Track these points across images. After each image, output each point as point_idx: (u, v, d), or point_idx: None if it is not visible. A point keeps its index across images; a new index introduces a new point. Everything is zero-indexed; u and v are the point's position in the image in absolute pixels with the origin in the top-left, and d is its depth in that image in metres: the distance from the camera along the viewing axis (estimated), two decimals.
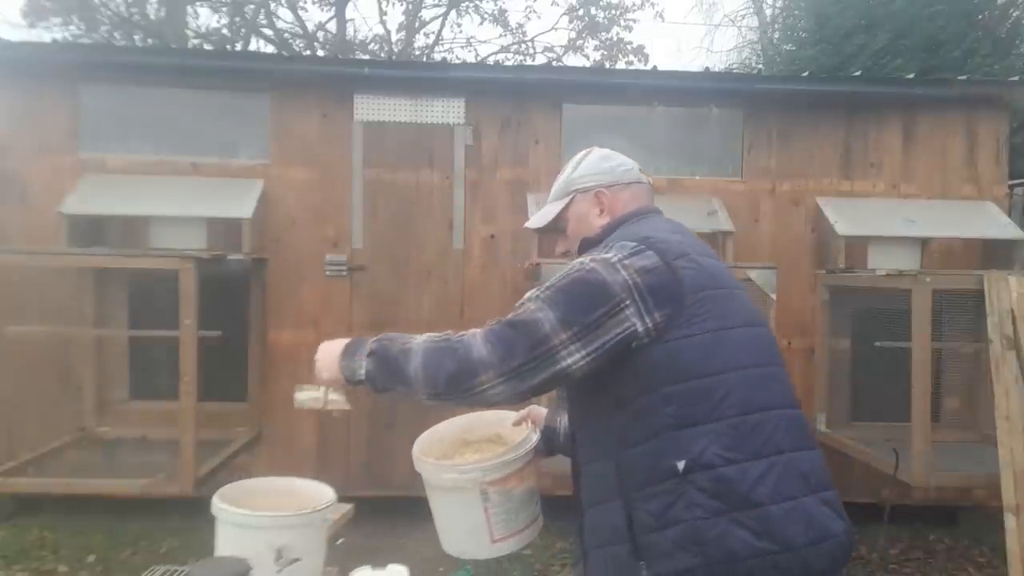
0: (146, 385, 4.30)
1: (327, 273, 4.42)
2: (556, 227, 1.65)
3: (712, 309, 1.36)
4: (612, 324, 1.30)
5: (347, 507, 2.46)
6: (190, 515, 3.74)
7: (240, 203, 4.14)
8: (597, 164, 1.62)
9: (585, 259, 1.39)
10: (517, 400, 1.33)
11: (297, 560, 1.59)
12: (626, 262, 1.34)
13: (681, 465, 1.28)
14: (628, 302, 1.31)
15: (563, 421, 1.77)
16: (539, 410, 1.83)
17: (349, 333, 4.79)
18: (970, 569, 3.93)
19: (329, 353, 1.46)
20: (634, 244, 1.38)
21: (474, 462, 1.63)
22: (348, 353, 1.43)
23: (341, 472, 4.34)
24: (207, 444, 3.66)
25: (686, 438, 1.30)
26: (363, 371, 1.40)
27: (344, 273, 4.44)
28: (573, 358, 1.29)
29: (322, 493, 1.74)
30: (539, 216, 1.69)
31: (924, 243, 4.41)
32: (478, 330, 1.34)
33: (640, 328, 1.31)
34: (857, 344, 4.38)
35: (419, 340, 1.37)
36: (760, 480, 1.28)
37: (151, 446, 3.98)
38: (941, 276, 3.65)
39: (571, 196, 1.61)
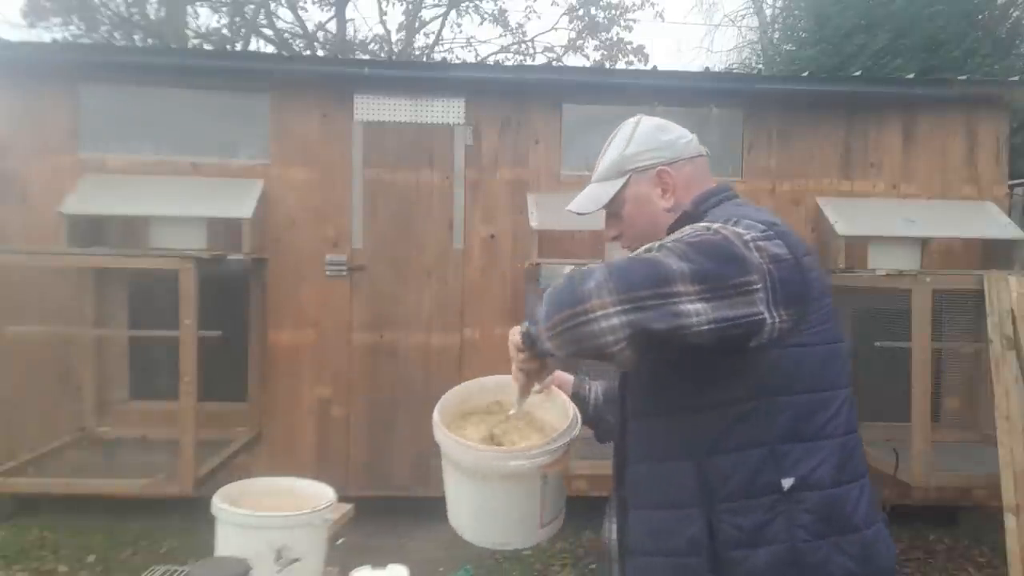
0: (146, 385, 4.30)
1: (327, 273, 4.42)
2: (609, 209, 1.46)
3: (828, 319, 1.24)
4: (742, 302, 1.10)
5: (347, 507, 2.46)
6: (190, 515, 3.74)
7: (240, 203, 4.14)
8: (654, 137, 1.42)
9: (711, 224, 1.19)
10: (632, 352, 1.07)
11: (297, 560, 1.59)
12: (760, 243, 1.16)
13: (787, 483, 1.19)
14: (760, 287, 1.12)
15: (594, 390, 1.66)
16: (564, 376, 1.64)
17: (349, 333, 4.81)
18: (970, 569, 3.93)
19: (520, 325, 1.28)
20: (763, 227, 1.20)
21: (540, 446, 1.45)
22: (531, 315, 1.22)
23: (341, 472, 4.34)
24: (207, 444, 3.66)
25: (795, 453, 1.20)
26: (528, 324, 1.20)
27: (344, 273, 4.44)
28: (699, 317, 1.06)
29: (322, 493, 1.74)
30: (589, 198, 1.47)
31: (924, 243, 4.41)
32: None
33: (768, 321, 1.13)
34: (857, 344, 4.37)
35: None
36: (858, 503, 1.23)
37: (151, 446, 3.98)
38: (941, 276, 3.65)
39: (627, 176, 1.42)
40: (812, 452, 1.21)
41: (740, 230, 1.17)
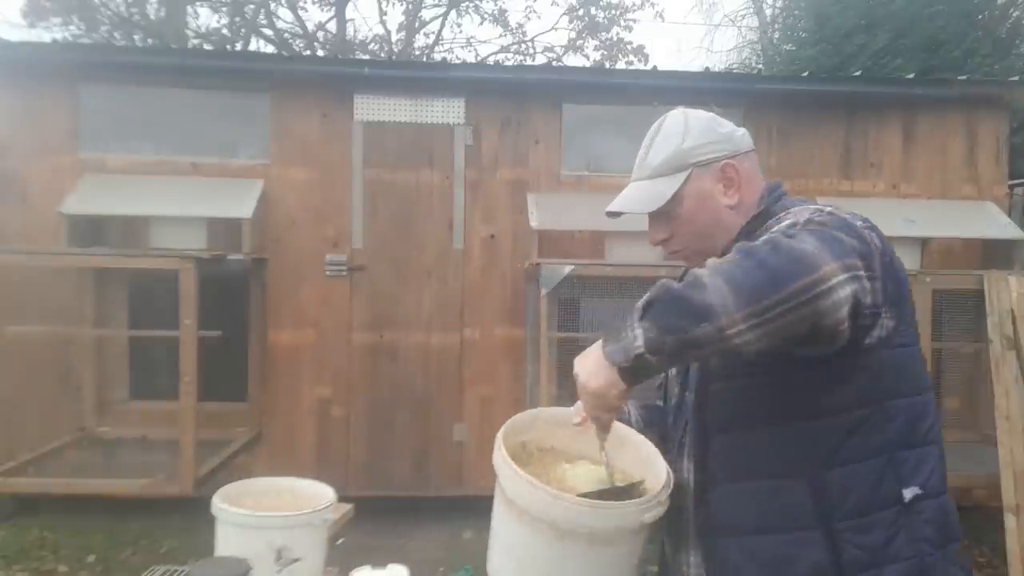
0: (146, 385, 4.30)
1: (327, 273, 4.42)
2: (663, 209, 1.30)
3: (913, 320, 1.17)
4: (872, 289, 1.04)
5: (347, 507, 2.46)
6: (190, 515, 3.73)
7: (240, 203, 4.14)
8: (712, 130, 1.29)
9: (823, 208, 1.14)
10: (841, 336, 1.00)
11: (297, 560, 1.59)
12: (868, 234, 1.10)
13: (909, 493, 1.11)
14: (879, 276, 1.06)
15: (633, 413, 1.48)
16: None
17: (349, 333, 4.79)
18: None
19: (586, 357, 1.10)
20: (863, 218, 1.14)
21: (661, 488, 1.22)
22: (611, 338, 1.06)
23: (341, 472, 4.34)
24: (207, 444, 3.66)
25: (913, 460, 1.13)
26: (641, 339, 1.01)
27: (344, 273, 4.44)
28: (870, 296, 1.02)
29: (322, 493, 1.74)
30: (641, 199, 1.30)
31: (924, 243, 4.41)
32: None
33: (882, 315, 1.08)
34: None
35: (703, 269, 1.01)
36: (955, 510, 1.18)
37: (151, 446, 3.98)
38: (941, 276, 3.66)
39: (688, 171, 1.27)
40: (925, 458, 1.15)
41: (848, 217, 1.11)
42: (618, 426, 1.30)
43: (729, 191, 1.27)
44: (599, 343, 1.09)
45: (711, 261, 1.02)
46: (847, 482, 1.11)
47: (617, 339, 1.05)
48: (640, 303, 1.04)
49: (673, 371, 1.35)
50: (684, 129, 1.29)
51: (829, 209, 1.13)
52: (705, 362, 1.21)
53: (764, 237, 1.05)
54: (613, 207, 1.33)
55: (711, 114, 1.33)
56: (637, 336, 1.01)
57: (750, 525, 1.17)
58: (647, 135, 1.34)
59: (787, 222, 1.12)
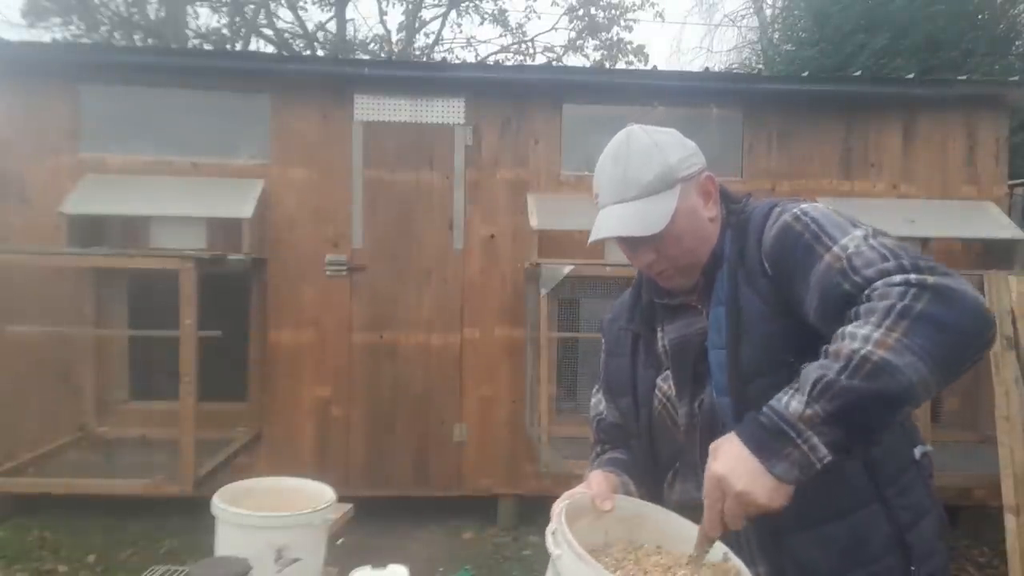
0: (146, 385, 4.31)
1: (327, 273, 4.43)
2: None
3: None
4: None
5: (347, 507, 2.46)
6: (190, 515, 3.73)
7: (240, 203, 4.14)
8: (684, 142, 1.28)
9: (807, 203, 1.22)
10: None
11: (297, 560, 1.59)
12: None
13: (919, 452, 1.24)
14: None
15: (631, 484, 1.35)
16: (599, 477, 1.29)
17: (349, 333, 4.79)
18: (970, 569, 3.92)
19: (733, 460, 1.00)
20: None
21: None
22: (768, 452, 0.99)
23: (341, 472, 4.34)
24: (207, 444, 3.67)
25: (910, 423, 1.27)
26: (825, 450, 0.97)
27: (344, 273, 4.44)
28: None
29: (322, 493, 1.74)
30: (639, 219, 1.21)
31: (924, 243, 4.41)
32: (915, 277, 1.10)
33: None
34: None
35: (861, 342, 0.97)
36: None
37: (151, 446, 3.98)
38: None
39: (677, 187, 1.23)
40: (909, 419, 1.27)
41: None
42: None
43: (708, 203, 1.27)
44: (739, 447, 1.00)
45: (874, 334, 0.97)
46: (884, 452, 1.19)
47: (778, 453, 0.98)
48: (804, 409, 0.97)
49: (669, 388, 1.30)
50: (654, 143, 1.25)
51: (831, 207, 1.21)
52: (736, 360, 1.17)
53: (874, 264, 1.14)
54: (607, 233, 1.23)
55: (667, 128, 1.30)
56: (817, 448, 0.97)
57: (820, 514, 1.17)
58: (609, 156, 1.27)
59: (856, 234, 1.19)
